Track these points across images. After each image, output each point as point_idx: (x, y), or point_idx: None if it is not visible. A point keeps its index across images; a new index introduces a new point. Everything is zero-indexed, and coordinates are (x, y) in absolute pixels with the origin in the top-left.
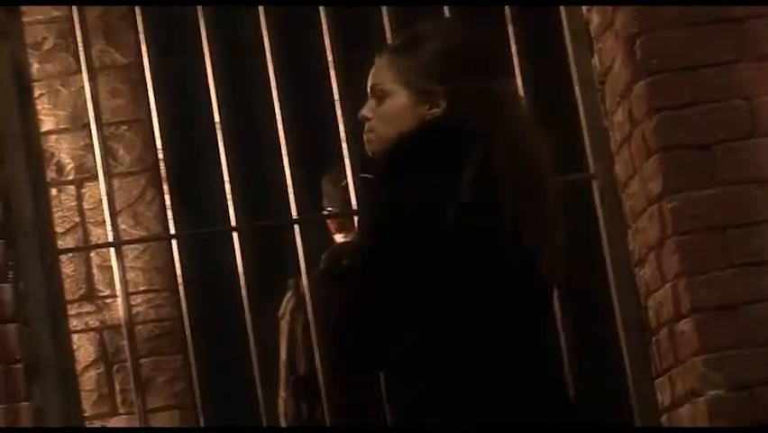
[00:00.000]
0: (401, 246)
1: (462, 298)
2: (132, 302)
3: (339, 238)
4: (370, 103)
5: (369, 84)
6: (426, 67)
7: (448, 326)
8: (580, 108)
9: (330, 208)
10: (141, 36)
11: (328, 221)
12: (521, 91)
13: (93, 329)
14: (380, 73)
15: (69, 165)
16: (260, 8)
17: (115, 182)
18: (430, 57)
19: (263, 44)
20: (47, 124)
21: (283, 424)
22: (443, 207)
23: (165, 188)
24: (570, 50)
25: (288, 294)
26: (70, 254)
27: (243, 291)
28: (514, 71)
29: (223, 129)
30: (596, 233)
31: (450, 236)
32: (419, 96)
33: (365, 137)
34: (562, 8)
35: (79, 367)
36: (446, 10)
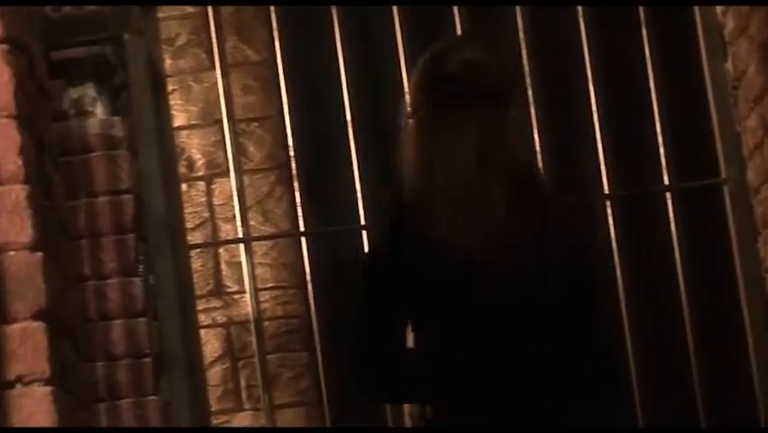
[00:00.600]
0: None
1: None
2: (260, 298)
3: None
4: None
5: None
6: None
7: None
8: (713, 113)
9: None
10: (275, 33)
11: None
12: (654, 96)
13: (220, 325)
14: None
15: (200, 161)
16: (395, 7)
17: (245, 179)
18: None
19: (395, 42)
20: (179, 119)
21: (407, 423)
22: None
23: (295, 185)
24: (703, 55)
25: None
26: (199, 250)
27: None
28: None
29: (353, 127)
30: (727, 239)
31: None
32: None
33: None
34: (696, 12)
35: (206, 362)
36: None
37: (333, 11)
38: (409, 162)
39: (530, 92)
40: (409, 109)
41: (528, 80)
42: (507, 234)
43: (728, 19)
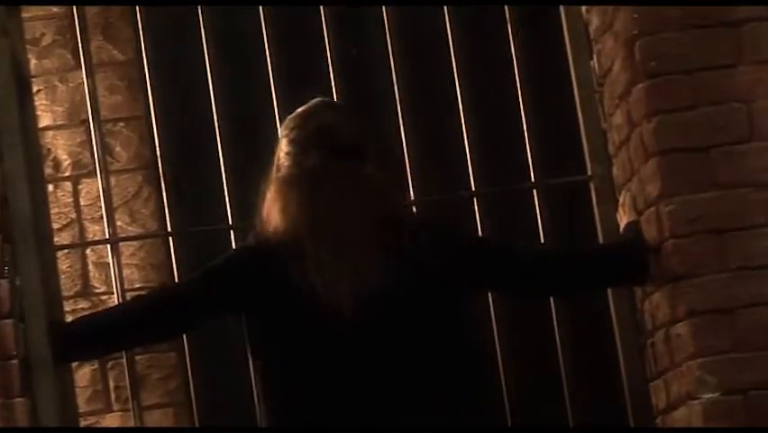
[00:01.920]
0: None
1: None
2: (128, 299)
3: None
4: None
5: None
6: None
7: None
8: (579, 110)
9: None
10: (141, 32)
11: None
12: (520, 94)
13: None
14: None
15: (66, 161)
16: (260, 6)
17: (112, 179)
18: None
19: (262, 39)
20: (44, 119)
21: None
22: None
23: (162, 185)
24: (569, 52)
25: None
26: (66, 251)
27: None
28: None
29: (220, 126)
30: (593, 235)
31: None
32: None
33: None
34: (561, 9)
35: (74, 364)
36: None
37: (200, 9)
38: (270, 210)
39: (396, 90)
40: (277, 163)
41: (395, 79)
42: (358, 279)
43: (593, 16)
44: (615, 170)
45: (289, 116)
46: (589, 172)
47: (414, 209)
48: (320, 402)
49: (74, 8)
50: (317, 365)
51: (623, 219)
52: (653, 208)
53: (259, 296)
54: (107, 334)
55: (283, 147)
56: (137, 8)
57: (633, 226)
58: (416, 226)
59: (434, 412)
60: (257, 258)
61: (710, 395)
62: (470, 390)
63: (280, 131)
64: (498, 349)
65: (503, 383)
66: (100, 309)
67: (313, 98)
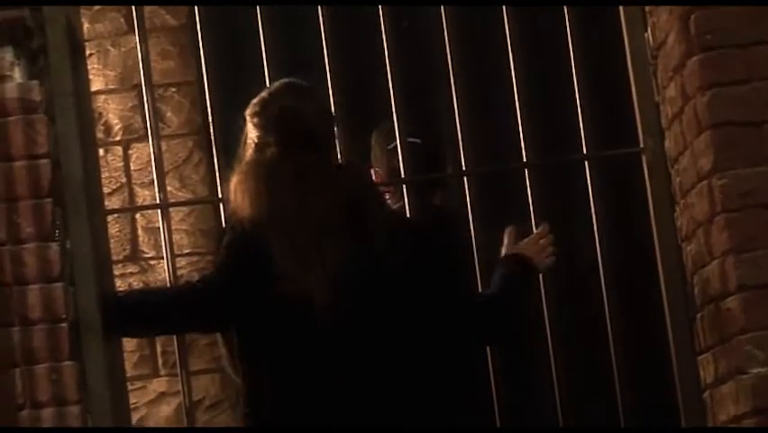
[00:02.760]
0: None
1: None
2: (177, 264)
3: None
4: None
5: None
6: None
7: None
8: (632, 82)
9: (377, 170)
10: None
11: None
12: (573, 66)
13: None
14: None
15: (117, 126)
16: None
17: (163, 144)
18: None
19: (315, 6)
20: (96, 84)
21: None
22: None
23: (213, 151)
24: (623, 24)
25: None
26: (116, 215)
27: None
28: None
29: None
30: (644, 208)
31: None
32: None
33: None
34: None
35: None
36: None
37: None
38: (236, 196)
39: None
40: (243, 144)
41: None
42: (323, 267)
43: None
44: (667, 144)
45: (254, 99)
46: (642, 145)
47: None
48: (296, 388)
49: None
50: (293, 353)
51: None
52: (705, 182)
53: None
54: (153, 319)
55: (248, 130)
56: None
57: (506, 271)
58: (385, 215)
59: (404, 400)
60: (245, 241)
61: (759, 369)
62: (441, 377)
63: (246, 112)
64: (546, 324)
65: (551, 355)
66: (151, 287)
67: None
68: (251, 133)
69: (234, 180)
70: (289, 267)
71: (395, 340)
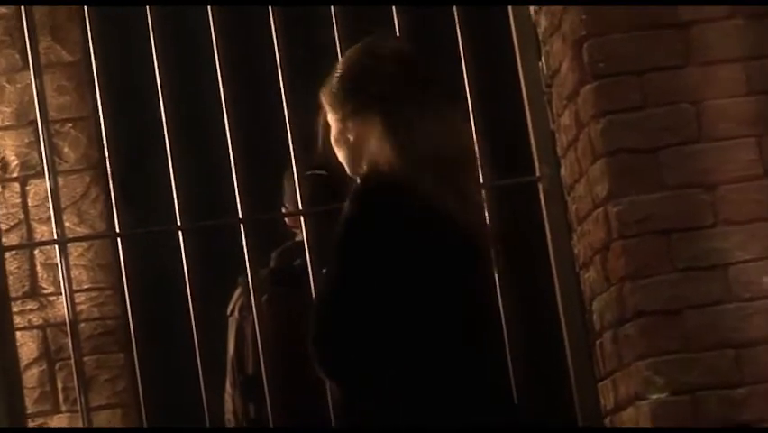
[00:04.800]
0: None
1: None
2: (76, 300)
3: (298, 235)
4: None
5: None
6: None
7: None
8: (527, 111)
9: (287, 206)
10: (89, 33)
11: (286, 219)
12: (468, 95)
13: (36, 327)
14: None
15: (14, 162)
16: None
17: (60, 180)
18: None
19: (211, 40)
20: None
21: (229, 423)
22: None
23: (110, 186)
24: (517, 53)
25: (238, 291)
26: (14, 251)
27: (188, 290)
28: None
29: (169, 127)
30: (541, 235)
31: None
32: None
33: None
34: (510, 10)
35: (22, 364)
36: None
37: (148, 10)
38: (375, 149)
39: None
40: (349, 105)
41: None
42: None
43: (541, 17)
44: (563, 171)
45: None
46: (538, 173)
47: None
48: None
49: (22, 8)
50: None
51: None
52: (600, 209)
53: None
54: None
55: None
56: (85, 9)
57: None
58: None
59: None
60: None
61: (658, 395)
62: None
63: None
64: None
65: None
66: None
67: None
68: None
69: (360, 129)
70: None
71: None
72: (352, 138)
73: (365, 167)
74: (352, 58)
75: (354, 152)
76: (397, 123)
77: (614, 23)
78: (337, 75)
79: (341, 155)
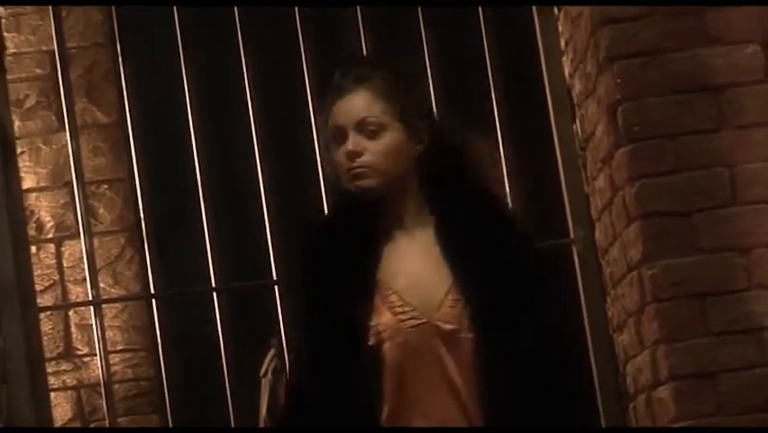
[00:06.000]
0: None
1: None
2: (111, 361)
3: None
4: (357, 138)
5: (351, 118)
6: (418, 104)
7: None
8: (562, 174)
9: None
10: (125, 95)
11: None
12: (503, 156)
13: (70, 387)
14: (370, 107)
15: (50, 223)
16: (244, 69)
17: (95, 241)
18: (420, 95)
19: (247, 107)
20: (28, 181)
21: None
22: None
23: (145, 247)
24: (552, 116)
25: (271, 353)
26: (49, 312)
27: (222, 351)
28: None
29: (204, 189)
30: (575, 298)
31: None
32: (411, 132)
33: (358, 171)
34: (544, 74)
35: (56, 425)
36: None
37: (183, 72)
38: None
39: None
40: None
41: None
42: None
43: (576, 81)
44: (597, 234)
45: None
46: (572, 236)
47: None
48: None
49: (58, 70)
50: None
51: None
52: (635, 272)
53: None
54: None
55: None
56: (121, 70)
57: None
58: None
59: None
60: None
61: None
62: None
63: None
64: None
65: None
66: None
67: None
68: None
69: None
70: None
71: None
72: None
73: None
74: None
75: None
76: None
77: (648, 86)
78: None
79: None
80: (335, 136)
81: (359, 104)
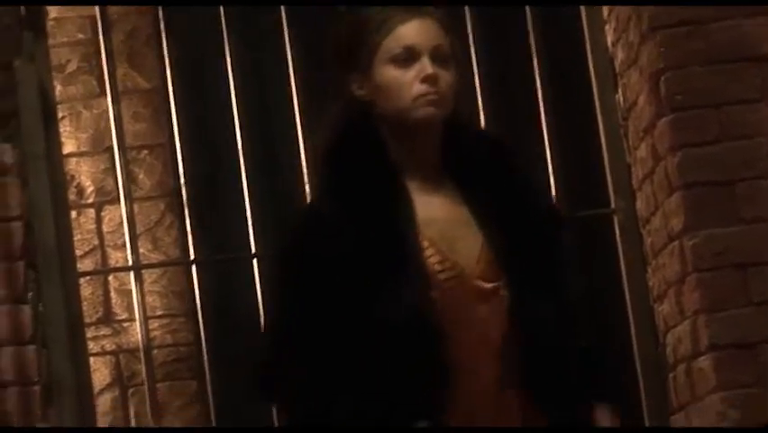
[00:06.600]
0: None
1: None
2: (150, 326)
3: None
4: (432, 64)
5: (428, 41)
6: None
7: None
8: (603, 143)
9: None
10: (166, 60)
11: None
12: (545, 127)
13: (109, 352)
14: (444, 36)
15: (90, 188)
16: (285, 36)
17: (135, 206)
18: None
19: (288, 73)
20: (69, 146)
21: None
22: None
23: (185, 213)
24: (594, 85)
25: None
26: (89, 277)
27: (261, 317)
28: None
29: (244, 155)
30: (616, 268)
31: None
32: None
33: (434, 98)
34: (587, 43)
35: (95, 390)
36: None
37: (225, 39)
38: None
39: None
40: None
41: None
42: None
43: (618, 50)
44: (638, 204)
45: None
46: (613, 206)
47: None
48: None
49: (100, 35)
50: None
51: None
52: (676, 242)
53: None
54: None
55: None
56: (163, 35)
57: None
58: None
59: None
60: None
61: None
62: None
63: None
64: None
65: None
66: None
67: None
68: None
69: None
70: None
71: None
72: None
73: None
74: None
75: None
76: None
77: (692, 56)
78: None
79: None
80: (398, 57)
81: (434, 28)
